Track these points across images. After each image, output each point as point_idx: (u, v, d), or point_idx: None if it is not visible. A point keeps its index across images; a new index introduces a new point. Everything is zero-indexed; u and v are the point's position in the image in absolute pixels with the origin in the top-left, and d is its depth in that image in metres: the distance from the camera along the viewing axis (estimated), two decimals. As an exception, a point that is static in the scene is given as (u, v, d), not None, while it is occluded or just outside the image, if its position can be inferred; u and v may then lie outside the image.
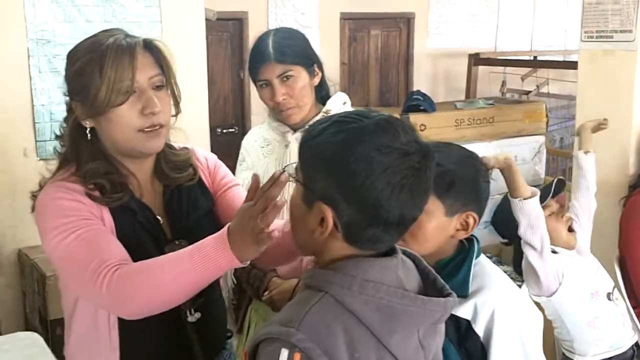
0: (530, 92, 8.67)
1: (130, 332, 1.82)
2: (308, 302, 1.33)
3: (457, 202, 1.82)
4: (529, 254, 2.61)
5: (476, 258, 1.87)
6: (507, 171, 2.35)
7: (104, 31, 1.84)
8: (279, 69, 2.36)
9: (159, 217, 1.90)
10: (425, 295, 1.38)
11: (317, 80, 2.47)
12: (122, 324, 1.81)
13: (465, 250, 1.88)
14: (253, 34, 6.55)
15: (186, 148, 2.05)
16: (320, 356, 1.25)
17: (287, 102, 2.39)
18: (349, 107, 2.51)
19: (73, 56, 1.83)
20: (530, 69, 8.69)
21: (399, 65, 8.50)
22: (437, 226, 1.82)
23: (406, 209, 1.33)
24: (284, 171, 1.45)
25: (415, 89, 7.14)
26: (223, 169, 2.14)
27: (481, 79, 8.15)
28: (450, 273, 1.81)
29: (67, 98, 1.88)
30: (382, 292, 1.31)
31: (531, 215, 2.45)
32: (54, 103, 4.19)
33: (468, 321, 1.77)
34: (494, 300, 1.78)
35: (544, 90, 8.80)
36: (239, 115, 7.20)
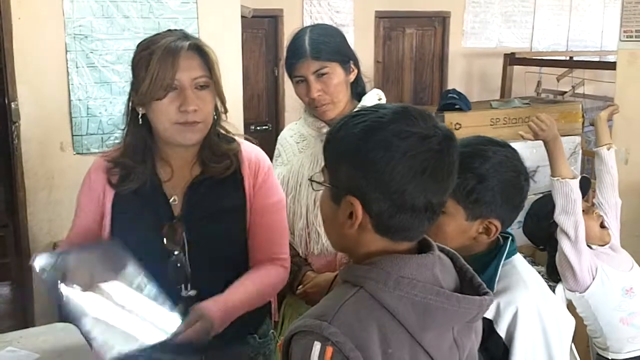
0: (565, 92, 8.57)
1: None
2: (343, 296, 1.33)
3: (479, 208, 1.77)
4: (564, 243, 2.58)
5: (508, 257, 1.84)
6: (551, 144, 2.30)
7: (167, 31, 2.09)
8: (314, 66, 2.37)
9: (175, 198, 2.11)
10: (461, 293, 1.37)
11: (352, 77, 2.47)
12: None
13: (497, 248, 1.85)
14: (288, 31, 6.58)
15: (234, 140, 2.18)
16: (352, 350, 1.25)
17: (322, 98, 2.40)
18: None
19: (136, 49, 2.06)
20: (566, 69, 8.60)
21: (434, 65, 8.45)
22: (456, 229, 1.78)
23: (431, 193, 1.34)
24: None
25: (448, 88, 7.09)
26: (270, 180, 2.21)
27: (516, 79, 8.08)
28: (477, 269, 1.73)
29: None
30: (418, 289, 1.31)
31: (568, 197, 2.41)
32: (90, 98, 4.23)
33: (490, 321, 1.75)
34: (518, 301, 1.75)
35: (579, 91, 8.69)
36: (272, 112, 7.21)
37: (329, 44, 2.40)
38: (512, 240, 1.87)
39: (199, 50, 2.03)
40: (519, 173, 1.82)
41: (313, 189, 1.49)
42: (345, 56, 2.44)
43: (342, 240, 1.43)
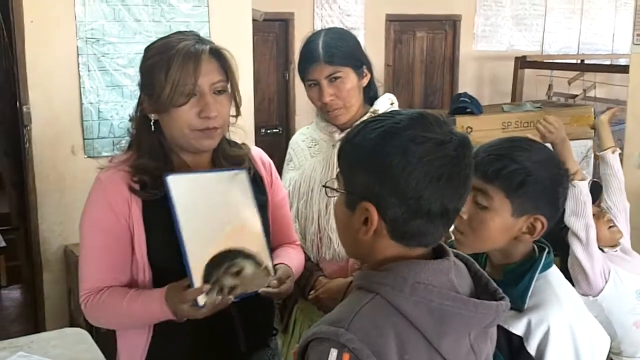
0: (576, 95, 8.55)
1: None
2: (359, 302, 1.32)
3: (527, 203, 1.70)
4: (575, 247, 2.56)
5: (543, 271, 1.75)
6: (560, 147, 2.29)
7: (178, 33, 2.03)
8: (327, 70, 2.35)
9: None
10: (477, 299, 1.36)
11: (365, 81, 2.45)
12: None
13: (532, 260, 1.77)
14: (299, 35, 6.60)
15: (244, 144, 2.17)
16: (369, 357, 1.23)
17: (334, 102, 2.38)
18: (396, 108, 2.49)
19: (147, 53, 1.98)
20: (577, 72, 8.57)
21: (444, 68, 8.44)
22: (501, 225, 1.71)
23: (447, 199, 1.32)
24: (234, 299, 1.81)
25: (460, 92, 7.08)
26: (278, 177, 2.26)
27: (527, 83, 8.07)
28: (510, 282, 1.70)
29: (139, 89, 2.03)
30: (434, 295, 1.30)
31: (578, 199, 2.39)
32: (102, 101, 4.24)
33: (520, 338, 1.68)
34: (550, 319, 1.67)
35: (590, 94, 8.67)
36: (283, 115, 7.21)
37: (342, 49, 2.38)
38: (549, 252, 1.79)
39: (217, 54, 1.96)
40: (564, 172, 1.78)
41: (327, 195, 1.48)
42: (358, 61, 2.42)
43: (357, 247, 1.41)
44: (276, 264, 2.00)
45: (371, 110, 2.45)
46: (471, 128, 5.24)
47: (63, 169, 4.27)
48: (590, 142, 6.14)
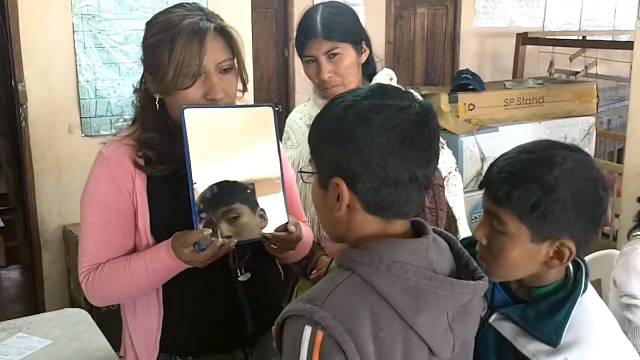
0: (578, 72, 8.51)
1: (176, 292, 1.93)
2: (335, 280, 1.33)
3: (546, 227, 1.48)
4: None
5: (581, 295, 1.57)
6: None
7: (181, 6, 1.89)
8: (325, 46, 2.31)
9: None
10: (457, 278, 1.36)
11: (364, 57, 2.42)
12: (168, 286, 1.92)
13: (568, 284, 1.59)
14: (298, 11, 6.51)
15: None
16: (342, 334, 1.25)
17: (332, 79, 2.34)
18: (394, 83, 2.45)
19: (150, 29, 1.88)
20: (578, 49, 8.52)
21: (445, 45, 8.37)
22: (522, 254, 1.52)
23: (413, 163, 1.33)
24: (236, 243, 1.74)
25: (461, 68, 7.04)
26: (287, 159, 2.19)
27: (529, 59, 8.01)
28: (544, 313, 1.54)
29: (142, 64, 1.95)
30: (410, 274, 1.31)
31: None
32: (98, 79, 4.19)
33: None
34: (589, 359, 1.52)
35: (592, 70, 8.62)
36: (283, 93, 7.15)
37: (341, 24, 2.34)
38: (587, 274, 1.60)
39: (223, 32, 1.87)
40: (596, 181, 1.52)
41: (304, 181, 1.48)
42: (357, 36, 2.38)
43: (336, 227, 1.43)
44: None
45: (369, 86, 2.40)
46: (473, 105, 5.20)
47: (60, 149, 4.23)
48: (592, 119, 6.10)
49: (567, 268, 1.61)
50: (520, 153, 1.55)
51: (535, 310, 1.52)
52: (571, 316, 1.52)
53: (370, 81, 2.45)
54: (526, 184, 1.47)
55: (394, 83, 2.45)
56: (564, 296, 1.55)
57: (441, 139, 1.77)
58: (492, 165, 1.57)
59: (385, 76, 2.49)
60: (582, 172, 1.50)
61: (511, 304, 1.61)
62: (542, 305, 1.55)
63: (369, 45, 2.43)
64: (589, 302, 1.58)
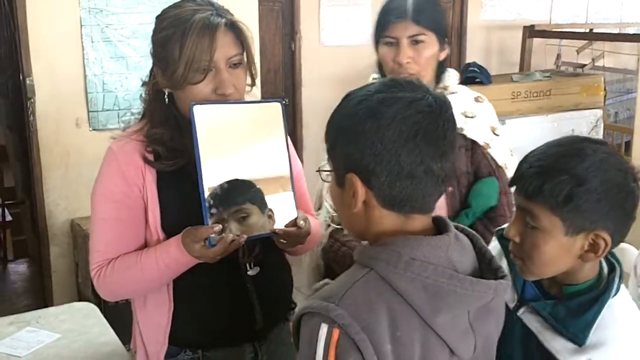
0: (585, 65, 8.47)
1: (186, 286, 1.94)
2: (352, 278, 1.31)
3: (580, 218, 1.46)
4: None
5: (613, 296, 1.54)
6: None
7: (190, 0, 1.89)
8: (412, 29, 2.19)
9: None
10: (481, 277, 1.33)
11: (442, 56, 2.28)
12: (178, 280, 1.93)
13: (600, 284, 1.56)
14: (304, 5, 6.52)
15: None
16: (359, 333, 1.22)
17: (410, 66, 2.20)
18: (456, 83, 2.37)
19: (160, 24, 1.89)
20: (585, 41, 8.49)
21: (452, 38, 8.34)
22: (556, 248, 1.49)
23: (428, 156, 1.30)
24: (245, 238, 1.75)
25: (468, 61, 7.02)
26: (295, 153, 2.16)
27: (536, 52, 7.98)
28: (574, 311, 1.52)
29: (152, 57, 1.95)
30: (429, 272, 1.28)
31: None
32: (106, 73, 4.19)
33: None
34: None
35: (599, 63, 8.59)
36: (289, 87, 7.14)
37: (432, 11, 2.24)
38: (621, 276, 1.58)
39: (234, 27, 1.87)
40: (626, 172, 1.50)
41: (322, 179, 1.45)
42: (443, 31, 2.26)
43: (355, 224, 1.40)
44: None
45: (441, 86, 2.30)
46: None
47: (68, 142, 4.24)
48: (600, 112, 6.09)
49: (601, 268, 1.58)
50: (549, 148, 1.53)
51: (565, 308, 1.50)
52: (600, 317, 1.50)
53: (438, 83, 2.32)
54: (557, 176, 1.45)
55: (456, 82, 2.37)
56: (594, 296, 1.53)
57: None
58: (521, 162, 1.55)
59: (454, 76, 2.37)
60: (612, 163, 1.49)
61: (541, 300, 1.59)
62: (572, 303, 1.53)
63: (449, 45, 2.32)
64: (619, 305, 1.55)
